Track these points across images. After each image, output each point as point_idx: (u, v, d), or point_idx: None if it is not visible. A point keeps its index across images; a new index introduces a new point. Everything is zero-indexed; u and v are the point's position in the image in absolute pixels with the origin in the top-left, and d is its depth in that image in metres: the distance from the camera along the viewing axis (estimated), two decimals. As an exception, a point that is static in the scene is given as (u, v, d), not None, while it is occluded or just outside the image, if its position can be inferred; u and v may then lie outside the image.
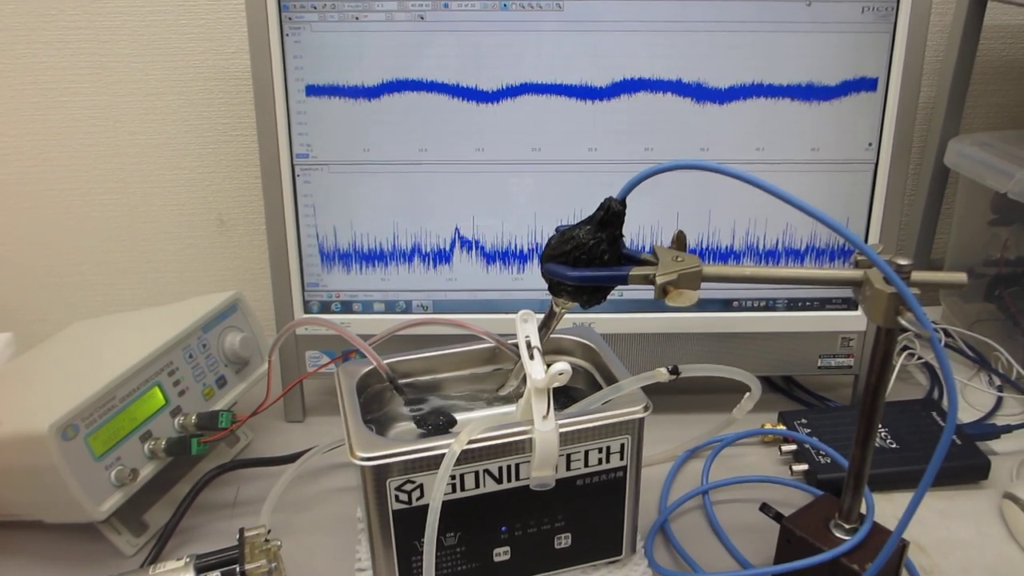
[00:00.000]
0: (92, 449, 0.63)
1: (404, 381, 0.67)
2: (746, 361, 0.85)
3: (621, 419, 0.59)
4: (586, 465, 0.60)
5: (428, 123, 0.78)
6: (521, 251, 0.82)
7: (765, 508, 0.66)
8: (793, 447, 0.79)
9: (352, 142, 0.79)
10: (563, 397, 0.68)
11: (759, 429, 0.80)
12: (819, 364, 0.85)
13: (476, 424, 0.56)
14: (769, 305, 0.83)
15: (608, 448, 0.60)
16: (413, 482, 0.57)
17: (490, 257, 0.83)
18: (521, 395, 0.60)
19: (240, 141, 0.99)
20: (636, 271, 0.56)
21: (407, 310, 0.84)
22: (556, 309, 0.61)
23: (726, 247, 0.81)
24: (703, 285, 0.55)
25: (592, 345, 0.68)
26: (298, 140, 0.79)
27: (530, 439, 0.57)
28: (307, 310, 0.84)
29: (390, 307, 0.84)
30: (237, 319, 0.79)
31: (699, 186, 0.79)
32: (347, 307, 0.85)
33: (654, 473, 0.78)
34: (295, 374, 0.86)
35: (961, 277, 0.54)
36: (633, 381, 0.61)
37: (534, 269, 0.82)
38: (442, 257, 0.83)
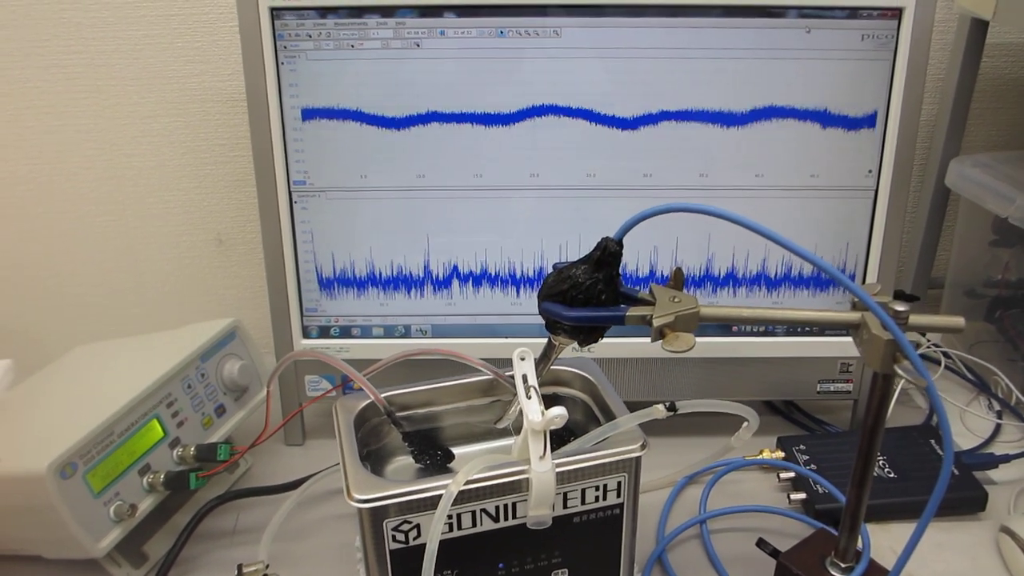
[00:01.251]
0: (91, 486, 0.63)
1: (402, 414, 0.67)
2: (745, 386, 0.85)
3: (618, 458, 0.59)
4: (583, 503, 0.60)
5: (425, 149, 0.78)
6: (520, 276, 0.82)
7: (762, 544, 0.66)
8: (792, 475, 0.79)
9: (349, 169, 0.79)
10: (561, 428, 0.68)
11: (758, 459, 0.80)
12: (818, 389, 0.85)
13: (473, 465, 0.56)
14: (769, 330, 0.83)
15: (605, 486, 0.60)
16: (410, 522, 0.57)
17: (489, 282, 0.82)
18: (519, 428, 0.60)
19: (238, 162, 0.99)
20: (633, 312, 0.56)
21: (406, 335, 0.84)
22: (554, 343, 0.61)
23: (726, 271, 0.81)
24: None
25: (590, 377, 0.68)
26: (295, 167, 0.79)
27: (527, 479, 0.57)
28: (306, 335, 0.84)
29: (389, 332, 0.84)
30: (235, 346, 0.79)
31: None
32: (346, 332, 0.84)
33: (651, 500, 0.78)
34: (294, 399, 0.86)
35: (959, 321, 0.53)
36: (630, 419, 0.61)
37: (532, 294, 0.82)
38: (441, 282, 0.83)
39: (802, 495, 0.76)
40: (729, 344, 0.83)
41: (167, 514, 0.74)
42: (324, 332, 0.84)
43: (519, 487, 0.58)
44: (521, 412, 0.58)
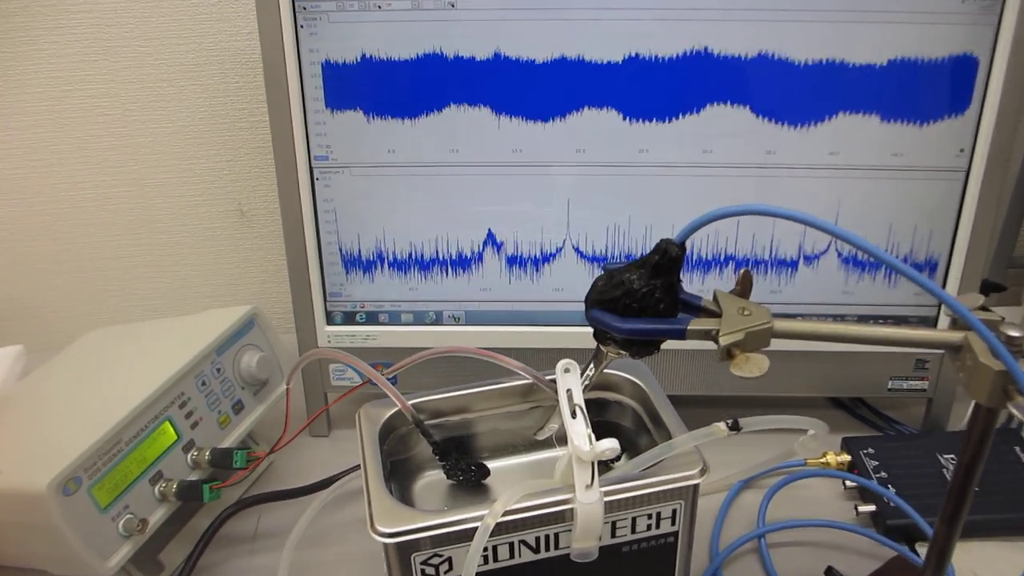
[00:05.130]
0: (97, 501, 0.58)
1: (432, 422, 0.61)
2: (808, 381, 0.77)
3: (674, 485, 0.53)
4: (633, 532, 0.54)
5: (459, 121, 0.70)
6: (561, 260, 0.75)
7: (831, 573, 0.59)
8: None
9: (375, 143, 0.71)
10: (606, 436, 0.62)
11: (823, 471, 0.73)
12: (889, 386, 0.77)
13: (511, 494, 0.50)
14: (838, 321, 0.75)
15: (658, 514, 0.54)
16: (441, 555, 0.51)
17: (527, 266, 0.75)
18: (562, 438, 0.54)
19: (259, 128, 0.92)
20: (695, 325, 0.49)
21: (438, 321, 0.78)
22: (603, 353, 0.54)
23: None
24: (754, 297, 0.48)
25: (640, 383, 0.61)
26: (316, 141, 0.72)
27: (571, 509, 0.51)
28: (330, 321, 0.78)
29: (419, 318, 0.78)
30: (254, 336, 0.74)
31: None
32: (373, 318, 0.78)
33: (704, 505, 0.71)
34: (318, 389, 0.81)
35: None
36: (687, 439, 0.54)
37: (575, 280, 0.75)
38: (475, 265, 0.76)
39: (871, 507, 0.69)
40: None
41: (184, 518, 0.69)
42: (349, 318, 0.78)
43: (562, 517, 0.51)
44: (563, 425, 0.52)
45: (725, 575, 0.65)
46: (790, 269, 0.73)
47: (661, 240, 0.49)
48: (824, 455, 0.74)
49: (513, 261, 0.75)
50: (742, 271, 0.52)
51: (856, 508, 0.70)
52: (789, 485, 0.73)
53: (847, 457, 0.74)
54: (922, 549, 0.67)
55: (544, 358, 0.77)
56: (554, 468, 0.56)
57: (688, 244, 0.73)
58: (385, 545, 0.50)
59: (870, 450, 0.74)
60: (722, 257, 0.74)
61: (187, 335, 0.71)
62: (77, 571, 0.59)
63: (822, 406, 0.84)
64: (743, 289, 0.52)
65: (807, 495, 0.73)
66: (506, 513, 0.50)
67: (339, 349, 0.76)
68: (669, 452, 0.54)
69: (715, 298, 0.51)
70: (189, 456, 0.66)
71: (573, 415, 0.51)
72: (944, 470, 0.72)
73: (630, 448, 0.63)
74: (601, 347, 0.54)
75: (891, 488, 0.70)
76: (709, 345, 0.48)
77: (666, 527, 0.54)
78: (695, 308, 0.51)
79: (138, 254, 0.98)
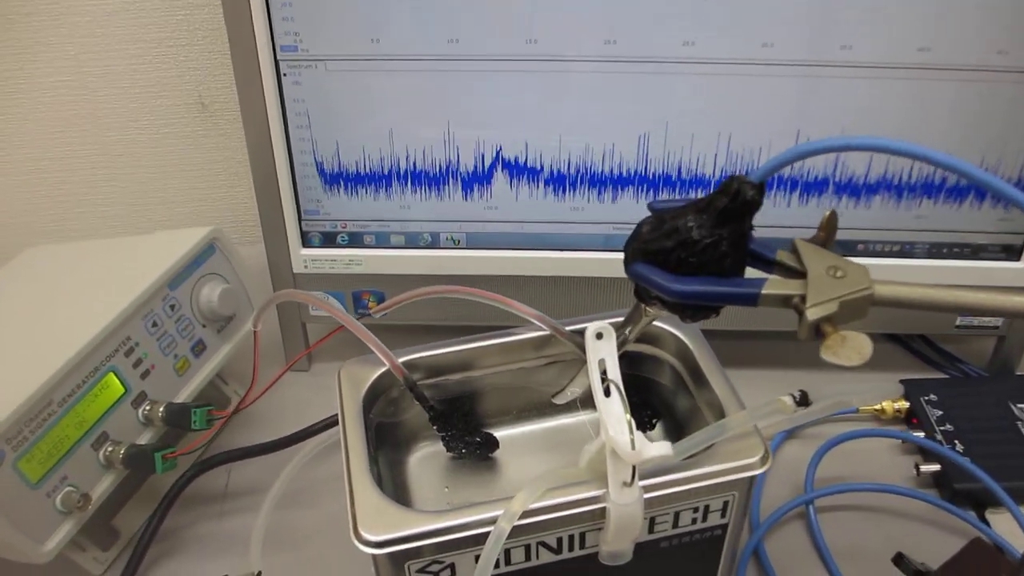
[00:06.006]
0: (25, 476, 0.48)
1: (430, 381, 0.50)
2: (870, 317, 0.66)
3: (730, 478, 0.43)
4: (675, 527, 0.44)
5: (459, 3, 0.56)
6: (582, 174, 0.62)
7: (902, 562, 0.50)
8: (921, 433, 0.63)
9: (356, 30, 0.58)
10: (638, 397, 0.52)
11: (879, 430, 0.64)
12: (958, 323, 0.67)
13: (529, 491, 0.40)
14: (905, 250, 0.64)
15: (707, 507, 0.44)
16: (441, 562, 0.42)
17: (540, 180, 0.63)
18: (586, 403, 0.44)
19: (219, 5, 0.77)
20: (772, 289, 0.37)
21: (434, 244, 0.66)
22: (644, 313, 0.43)
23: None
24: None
25: (685, 339, 0.50)
26: (282, 27, 0.58)
27: (603, 508, 0.41)
28: (306, 243, 0.67)
29: (412, 240, 0.66)
30: (215, 264, 0.62)
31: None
32: (357, 240, 0.67)
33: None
34: (295, 320, 0.70)
35: None
36: (744, 418, 0.44)
37: (597, 199, 0.63)
38: (479, 179, 0.63)
39: (935, 467, 0.60)
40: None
41: (141, 476, 0.60)
42: (329, 239, 0.67)
43: (591, 515, 0.42)
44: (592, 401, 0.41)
45: (769, 549, 0.56)
46: (855, 191, 0.61)
47: (732, 177, 0.37)
48: (880, 404, 0.65)
49: (523, 174, 0.63)
50: (827, 213, 0.40)
51: (917, 467, 0.61)
52: (837, 432, 0.64)
53: (905, 404, 0.65)
54: (993, 517, 0.58)
55: (559, 289, 0.66)
56: (574, 443, 0.46)
57: (708, 155, 0.61)
58: (374, 557, 0.40)
59: (932, 396, 0.65)
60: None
61: (133, 265, 0.59)
62: (11, 556, 0.50)
63: (875, 341, 0.74)
64: (827, 236, 0.41)
65: (859, 447, 0.63)
66: (524, 515, 0.40)
67: (316, 293, 0.65)
68: (722, 434, 0.43)
69: (794, 249, 0.39)
70: (140, 411, 0.55)
71: (607, 393, 0.41)
72: (1018, 423, 0.62)
73: (666, 411, 0.53)
74: (643, 306, 0.43)
75: (957, 444, 0.61)
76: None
77: (714, 520, 0.45)
78: (767, 262, 0.40)
79: (84, 154, 0.85)
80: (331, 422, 0.60)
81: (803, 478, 0.60)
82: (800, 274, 0.38)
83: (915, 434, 0.62)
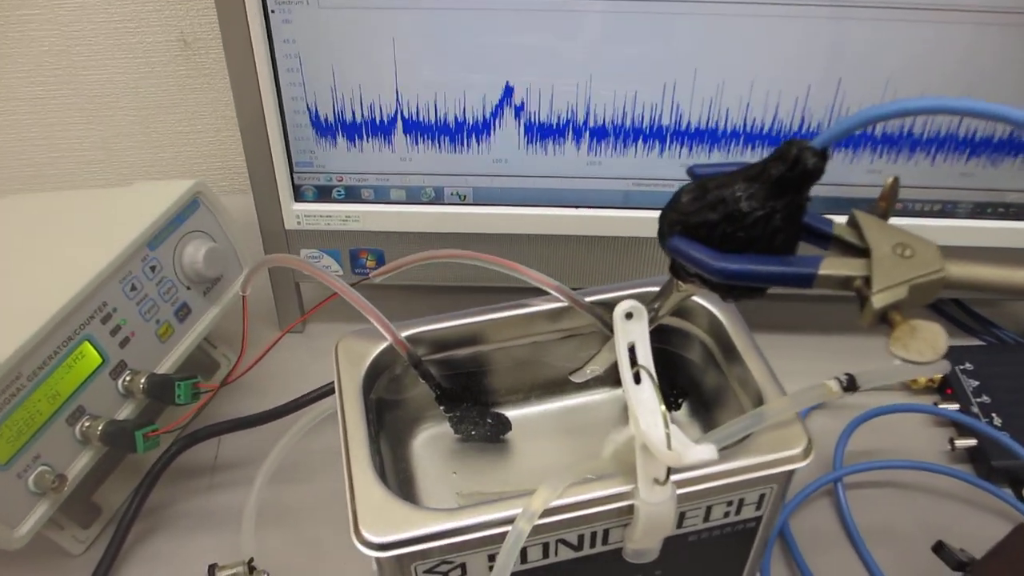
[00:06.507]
0: (-8, 457, 0.44)
1: (436, 356, 0.46)
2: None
3: (770, 472, 0.39)
4: (706, 521, 0.41)
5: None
6: (601, 124, 0.57)
7: (942, 551, 0.47)
8: (955, 405, 0.59)
9: (352, -40, 0.52)
10: (663, 373, 0.48)
11: (912, 405, 0.60)
12: (998, 287, 0.62)
13: (550, 488, 0.36)
14: (947, 210, 0.59)
15: (741, 500, 0.40)
16: (451, 562, 0.38)
17: (554, 131, 0.58)
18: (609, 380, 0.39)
19: (199, -70, 0.71)
20: (830, 269, 0.33)
21: (437, 199, 0.61)
22: (678, 288, 0.39)
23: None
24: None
25: (717, 313, 0.46)
26: (270, -43, 0.52)
27: (631, 505, 0.37)
28: (298, 197, 0.61)
29: (413, 195, 0.61)
30: (200, 220, 0.57)
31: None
32: (354, 194, 0.61)
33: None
34: (287, 279, 0.65)
35: None
36: (787, 404, 0.39)
37: (618, 153, 0.58)
38: (487, 128, 0.58)
39: (971, 442, 0.57)
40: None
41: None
42: (324, 194, 0.61)
43: (617, 512, 0.38)
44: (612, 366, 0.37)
45: (795, 529, 0.53)
46: (896, 144, 0.56)
47: (791, 142, 0.32)
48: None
49: (536, 123, 0.57)
50: (889, 180, 0.36)
51: (952, 441, 0.57)
52: (866, 403, 0.60)
53: (939, 373, 0.61)
54: (1031, 497, 0.55)
55: (573, 249, 0.61)
56: (592, 425, 0.43)
57: (740, 105, 0.56)
58: (378, 559, 0.36)
59: (968, 365, 0.61)
60: (794, 125, 0.56)
61: (109, 222, 0.54)
62: (-21, 543, 0.46)
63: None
64: (888, 207, 0.36)
65: (888, 421, 0.59)
66: (544, 513, 0.36)
67: (310, 253, 0.60)
68: (760, 423, 0.39)
69: (854, 223, 0.35)
70: (120, 383, 0.51)
71: (637, 380, 0.37)
72: (1061, 396, 0.59)
73: (692, 388, 0.49)
74: (676, 282, 0.38)
75: (995, 418, 0.57)
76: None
77: (748, 513, 0.41)
78: (821, 236, 0.36)
79: (58, 94, 0.79)
80: (327, 390, 0.56)
81: (831, 454, 0.57)
82: (861, 252, 0.34)
83: (950, 407, 0.59)
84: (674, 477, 0.37)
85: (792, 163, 0.32)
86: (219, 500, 0.56)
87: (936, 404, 0.59)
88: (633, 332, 0.37)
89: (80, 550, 0.52)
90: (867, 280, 0.32)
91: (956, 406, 0.59)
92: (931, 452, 0.58)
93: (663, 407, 0.35)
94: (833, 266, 0.33)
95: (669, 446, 0.34)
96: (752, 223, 0.33)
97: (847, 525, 0.53)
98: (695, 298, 0.46)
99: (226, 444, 0.59)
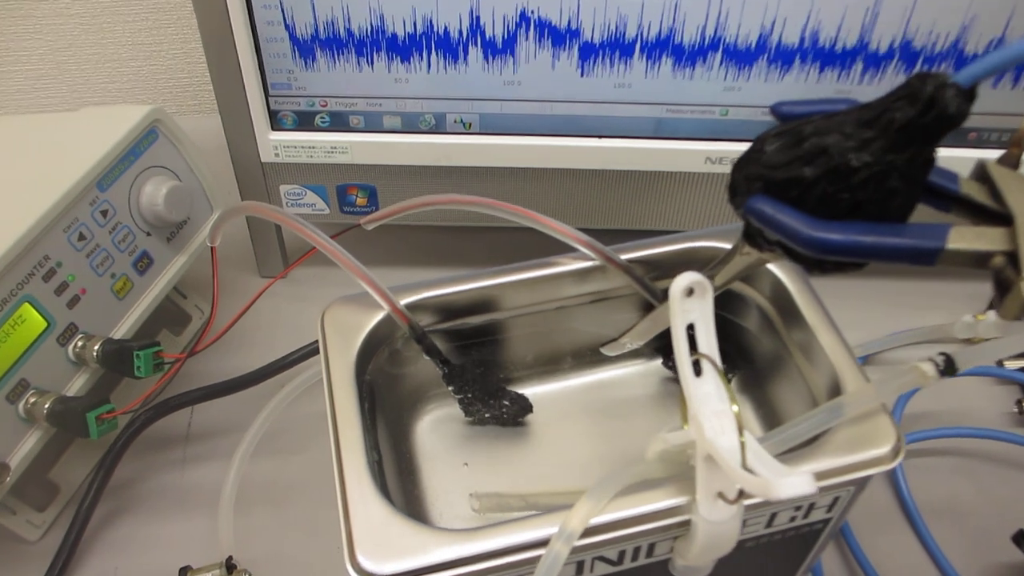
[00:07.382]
0: (-87, 449, 0.37)
1: (443, 327, 0.39)
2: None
3: (854, 476, 0.32)
4: (769, 526, 0.34)
5: None
6: (632, 39, 0.48)
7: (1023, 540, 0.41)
8: (1022, 364, 0.53)
9: None
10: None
11: (974, 369, 0.53)
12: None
13: (590, 501, 0.30)
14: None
15: (811, 505, 0.34)
16: (468, 586, 0.31)
17: (578, 46, 0.49)
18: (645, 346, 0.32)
19: None
20: (959, 242, 0.26)
21: (438, 128, 0.53)
22: (741, 251, 0.32)
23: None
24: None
25: (783, 279, 0.38)
26: None
27: (687, 520, 0.30)
28: (276, 124, 0.53)
29: (410, 122, 0.53)
30: (159, 154, 0.49)
31: None
32: (341, 121, 0.53)
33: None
34: (267, 224, 0.57)
35: None
36: (873, 393, 0.32)
37: (653, 74, 0.49)
38: (497, 45, 0.49)
39: (1039, 406, 0.50)
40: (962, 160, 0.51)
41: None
42: (306, 121, 0.53)
43: (668, 527, 0.31)
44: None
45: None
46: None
47: (923, 76, 0.24)
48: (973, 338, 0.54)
49: (556, 37, 0.48)
50: (1018, 133, 0.28)
51: (1019, 403, 0.51)
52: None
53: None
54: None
55: (598, 186, 0.53)
56: (622, 404, 0.36)
57: (808, 16, 0.48)
58: (376, 585, 0.30)
59: (1037, 321, 0.54)
60: (936, 45, 0.47)
61: (49, 158, 0.46)
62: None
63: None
64: (1020, 153, 0.28)
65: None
66: (585, 533, 0.29)
67: (297, 149, 0.52)
68: (839, 417, 0.32)
69: (985, 177, 0.27)
70: (70, 349, 0.43)
71: (697, 371, 0.29)
72: None
73: (742, 357, 0.42)
74: (744, 246, 0.31)
75: (1068, 379, 0.51)
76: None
77: (817, 516, 0.35)
78: (944, 196, 0.28)
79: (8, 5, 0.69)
80: (312, 350, 0.49)
81: (886, 421, 0.50)
82: (999, 218, 0.26)
83: (1015, 366, 0.52)
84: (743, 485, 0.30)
85: (926, 105, 0.24)
86: (194, 475, 0.49)
87: (999, 363, 0.53)
88: (693, 311, 0.30)
89: (37, 535, 0.46)
90: (1011, 257, 0.25)
91: (1022, 364, 0.52)
92: (995, 416, 0.52)
93: (735, 407, 0.28)
94: (964, 238, 0.26)
95: (744, 463, 0.27)
96: (862, 182, 0.25)
97: (905, 503, 0.47)
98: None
99: (200, 410, 0.52)
